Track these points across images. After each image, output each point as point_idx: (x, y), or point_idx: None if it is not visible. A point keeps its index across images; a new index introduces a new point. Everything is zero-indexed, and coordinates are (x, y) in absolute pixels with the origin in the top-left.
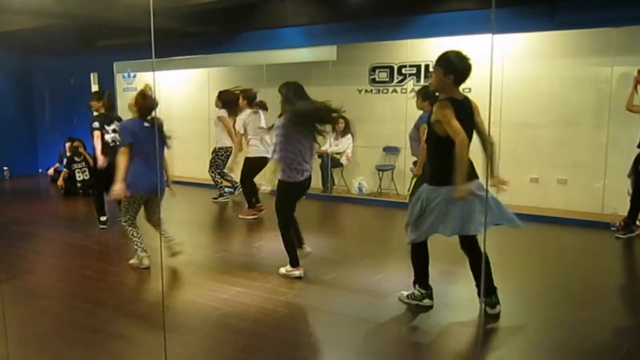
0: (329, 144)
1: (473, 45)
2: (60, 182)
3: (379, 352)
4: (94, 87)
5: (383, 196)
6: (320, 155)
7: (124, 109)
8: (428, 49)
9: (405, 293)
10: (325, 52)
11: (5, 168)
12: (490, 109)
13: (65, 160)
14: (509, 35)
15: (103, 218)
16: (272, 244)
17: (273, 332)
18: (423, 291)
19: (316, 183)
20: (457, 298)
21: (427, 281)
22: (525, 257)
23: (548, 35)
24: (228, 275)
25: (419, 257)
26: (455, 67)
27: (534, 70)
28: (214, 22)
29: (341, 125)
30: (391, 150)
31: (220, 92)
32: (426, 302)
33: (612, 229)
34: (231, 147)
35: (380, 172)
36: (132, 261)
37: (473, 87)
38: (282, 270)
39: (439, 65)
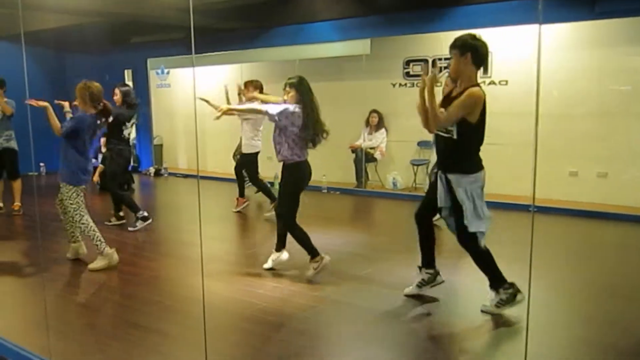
0: (363, 139)
1: (508, 37)
2: (95, 177)
3: (416, 349)
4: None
5: (418, 191)
6: (354, 150)
7: (157, 105)
8: None
9: (411, 287)
10: (358, 46)
11: (41, 164)
12: (538, 101)
13: (100, 156)
14: (546, 25)
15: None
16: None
17: (309, 327)
18: (431, 271)
19: (350, 178)
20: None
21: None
22: (565, 252)
23: (587, 25)
24: (262, 271)
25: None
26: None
27: (573, 61)
28: (246, 17)
29: (375, 119)
30: (426, 145)
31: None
32: (438, 279)
33: None
34: None
35: (415, 167)
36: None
37: (510, 80)
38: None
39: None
